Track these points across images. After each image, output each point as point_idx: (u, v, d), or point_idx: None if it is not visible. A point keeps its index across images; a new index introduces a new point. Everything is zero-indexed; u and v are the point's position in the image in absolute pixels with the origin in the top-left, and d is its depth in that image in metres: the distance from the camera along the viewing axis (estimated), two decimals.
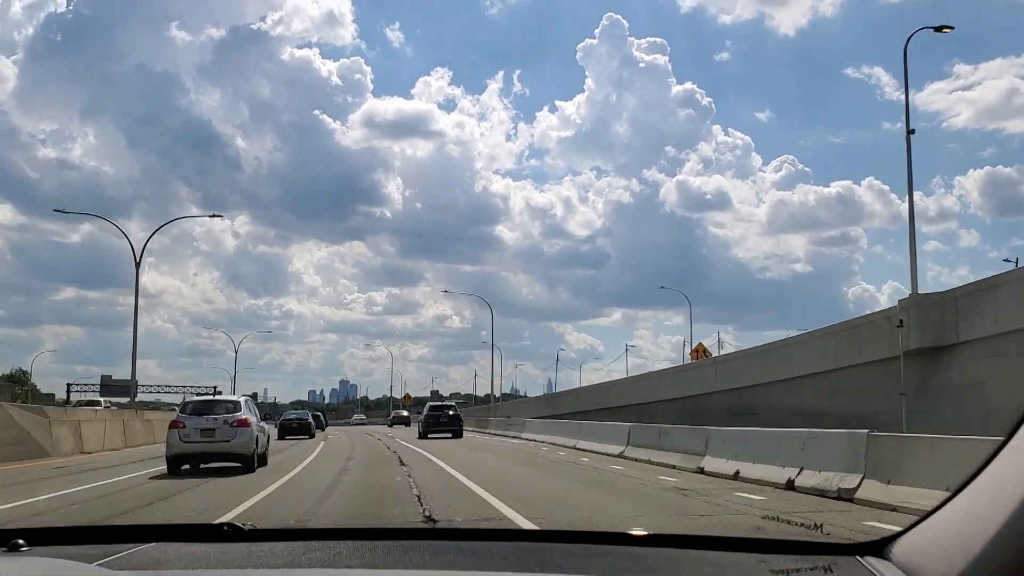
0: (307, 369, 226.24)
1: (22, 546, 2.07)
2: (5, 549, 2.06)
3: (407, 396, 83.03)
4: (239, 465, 18.14)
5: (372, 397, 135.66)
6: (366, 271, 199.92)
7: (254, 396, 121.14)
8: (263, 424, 20.53)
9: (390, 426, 69.30)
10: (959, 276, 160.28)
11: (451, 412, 41.06)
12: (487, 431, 48.07)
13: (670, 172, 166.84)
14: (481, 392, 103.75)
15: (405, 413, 79.12)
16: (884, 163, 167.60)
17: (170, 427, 18.41)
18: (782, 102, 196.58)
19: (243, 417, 18.39)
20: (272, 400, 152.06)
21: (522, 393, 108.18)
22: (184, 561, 2.16)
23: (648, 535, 2.37)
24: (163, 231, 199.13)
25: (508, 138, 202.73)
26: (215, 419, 18.26)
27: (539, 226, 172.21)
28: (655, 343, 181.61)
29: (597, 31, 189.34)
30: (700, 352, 47.62)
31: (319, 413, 66.26)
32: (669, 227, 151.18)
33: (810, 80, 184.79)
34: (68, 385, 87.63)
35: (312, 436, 42.27)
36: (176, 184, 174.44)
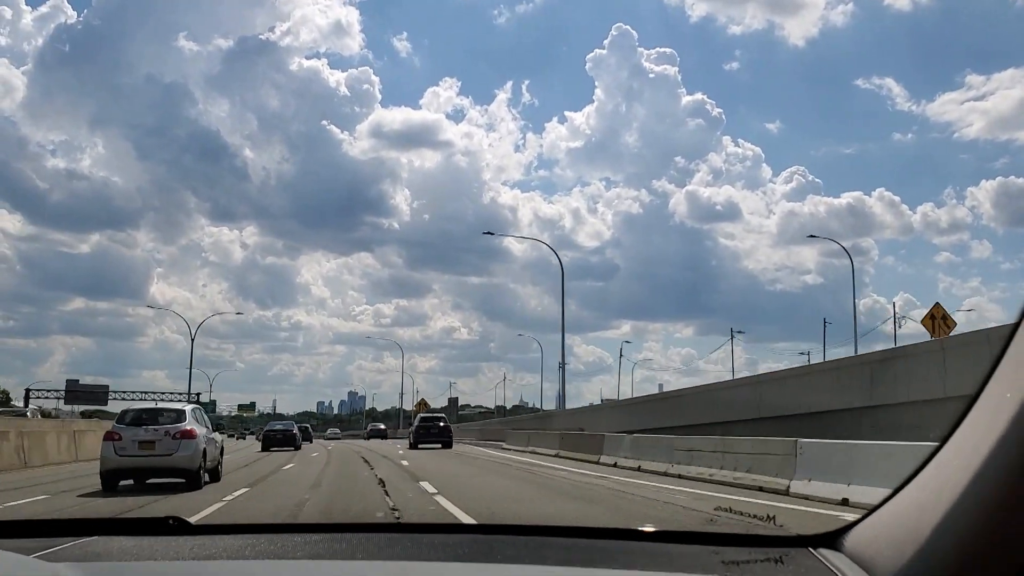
0: (316, 380, 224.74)
1: None
2: None
3: (422, 402, 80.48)
4: (183, 481, 16.18)
5: (380, 408, 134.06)
6: (374, 282, 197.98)
7: (207, 405, 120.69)
8: (215, 435, 18.48)
9: (366, 439, 69.14)
10: (971, 287, 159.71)
11: (441, 424, 42.23)
12: (527, 448, 35.42)
13: (680, 183, 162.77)
14: (486, 404, 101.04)
15: (382, 426, 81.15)
16: (895, 174, 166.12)
17: (104, 439, 16.35)
18: (792, 113, 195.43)
19: (187, 428, 16.35)
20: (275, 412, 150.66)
21: (531, 406, 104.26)
22: (126, 553, 2.10)
23: (603, 528, 2.52)
24: (172, 242, 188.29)
25: (517, 149, 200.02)
26: (155, 430, 16.21)
27: (548, 237, 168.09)
28: (665, 355, 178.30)
29: (606, 41, 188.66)
30: (939, 320, 31.58)
31: (306, 425, 65.86)
32: (679, 238, 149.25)
33: (820, 90, 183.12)
34: (27, 391, 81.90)
35: (298, 448, 40.97)
36: (185, 194, 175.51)
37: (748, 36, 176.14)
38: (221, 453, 19.09)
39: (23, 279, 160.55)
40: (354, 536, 2.24)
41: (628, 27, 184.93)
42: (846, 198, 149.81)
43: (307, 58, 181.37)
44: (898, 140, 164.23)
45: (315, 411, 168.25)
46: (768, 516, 8.98)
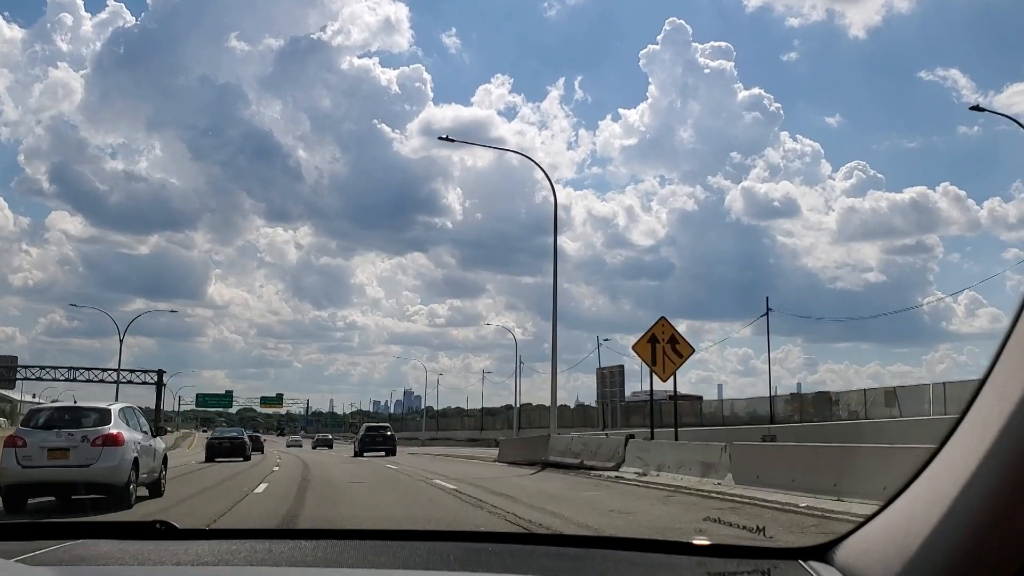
0: (371, 380, 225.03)
1: None
2: None
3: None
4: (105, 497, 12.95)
5: (439, 407, 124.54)
6: (428, 283, 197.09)
7: (272, 399, 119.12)
8: (154, 441, 15.15)
9: (314, 448, 68.66)
10: None
11: (387, 432, 43.92)
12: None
13: (736, 179, 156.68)
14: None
15: (329, 436, 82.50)
16: (961, 168, 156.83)
17: (4, 445, 13.01)
18: (853, 106, 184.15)
19: (111, 432, 13.04)
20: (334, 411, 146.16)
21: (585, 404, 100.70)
22: (111, 558, 2.07)
23: (586, 536, 2.77)
24: (228, 243, 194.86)
25: (569, 146, 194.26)
26: (71, 435, 12.91)
27: (601, 236, 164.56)
28: (721, 356, 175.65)
29: (660, 37, 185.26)
30: (664, 345, 22.55)
31: (258, 434, 64.72)
32: (735, 236, 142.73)
33: (882, 83, 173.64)
34: None
35: (248, 458, 36.25)
36: (240, 195, 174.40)
37: (807, 27, 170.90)
38: (164, 463, 15.80)
39: (86, 280, 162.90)
40: (344, 543, 2.26)
41: (682, 21, 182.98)
42: (909, 193, 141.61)
43: (358, 57, 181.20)
44: (963, 133, 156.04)
45: (371, 410, 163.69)
46: (758, 527, 8.73)
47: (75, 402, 16.22)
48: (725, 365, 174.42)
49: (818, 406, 46.68)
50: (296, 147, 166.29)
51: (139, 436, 14.13)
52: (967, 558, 1.14)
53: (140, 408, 15.98)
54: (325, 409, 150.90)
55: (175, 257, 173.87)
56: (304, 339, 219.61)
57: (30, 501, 13.18)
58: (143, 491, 14.59)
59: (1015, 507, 1.09)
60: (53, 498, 13.49)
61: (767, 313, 53.37)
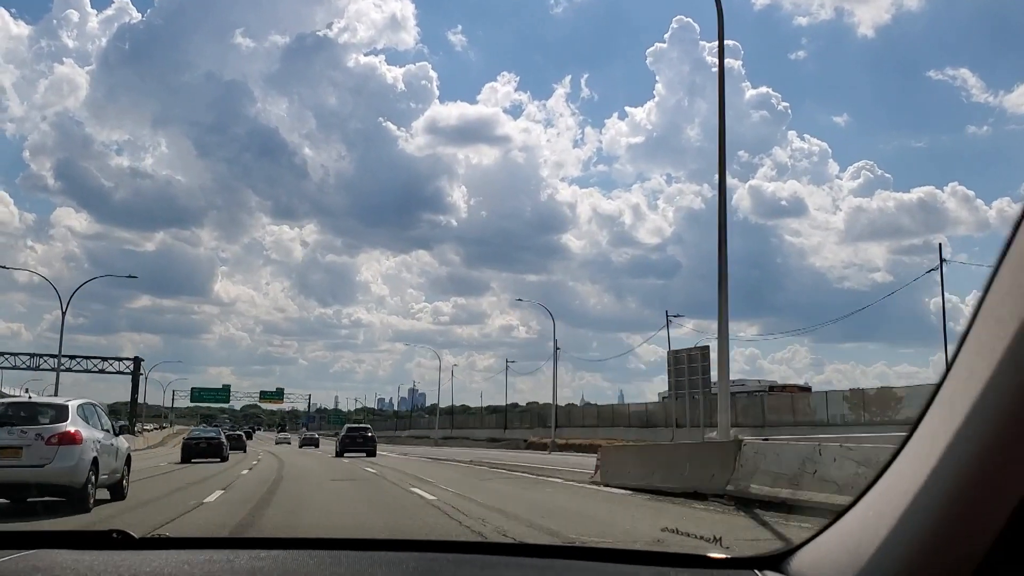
0: (376, 378, 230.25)
1: None
2: None
3: None
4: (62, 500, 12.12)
5: (443, 405, 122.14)
6: (432, 280, 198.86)
7: (272, 394, 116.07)
8: (116, 440, 14.27)
9: (300, 447, 67.53)
10: None
11: (368, 433, 44.12)
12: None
13: (743, 178, 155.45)
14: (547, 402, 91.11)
15: (316, 435, 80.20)
16: (969, 168, 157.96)
17: None
18: (861, 105, 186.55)
19: (68, 430, 12.21)
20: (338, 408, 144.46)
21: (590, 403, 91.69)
22: (67, 569, 1.94)
23: (547, 546, 2.72)
24: (235, 240, 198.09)
25: (575, 144, 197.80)
26: (23, 432, 12.05)
27: (607, 234, 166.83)
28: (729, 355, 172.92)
29: (667, 35, 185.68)
30: None
31: (240, 433, 62.35)
32: (742, 234, 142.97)
33: (891, 82, 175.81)
34: None
35: (225, 459, 34.98)
36: (246, 193, 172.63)
37: (815, 26, 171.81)
38: (127, 463, 14.94)
39: (91, 276, 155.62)
40: (307, 553, 2.17)
41: (689, 20, 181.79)
42: (917, 193, 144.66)
43: (364, 54, 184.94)
44: (973, 133, 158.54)
45: (376, 408, 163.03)
46: (715, 537, 8.60)
47: (29, 397, 15.23)
48: (731, 365, 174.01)
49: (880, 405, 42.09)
50: (302, 145, 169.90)
51: (99, 434, 13.30)
52: (919, 567, 1.17)
53: (102, 405, 15.07)
54: (330, 406, 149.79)
55: (181, 254, 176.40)
56: (310, 336, 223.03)
57: None
58: (104, 493, 13.76)
59: (965, 519, 1.12)
60: (6, 501, 12.64)
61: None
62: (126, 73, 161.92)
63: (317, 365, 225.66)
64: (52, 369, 60.67)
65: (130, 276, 45.49)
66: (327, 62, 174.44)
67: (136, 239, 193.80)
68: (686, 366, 42.56)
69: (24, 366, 62.83)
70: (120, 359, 67.93)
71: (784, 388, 54.22)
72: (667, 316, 53.44)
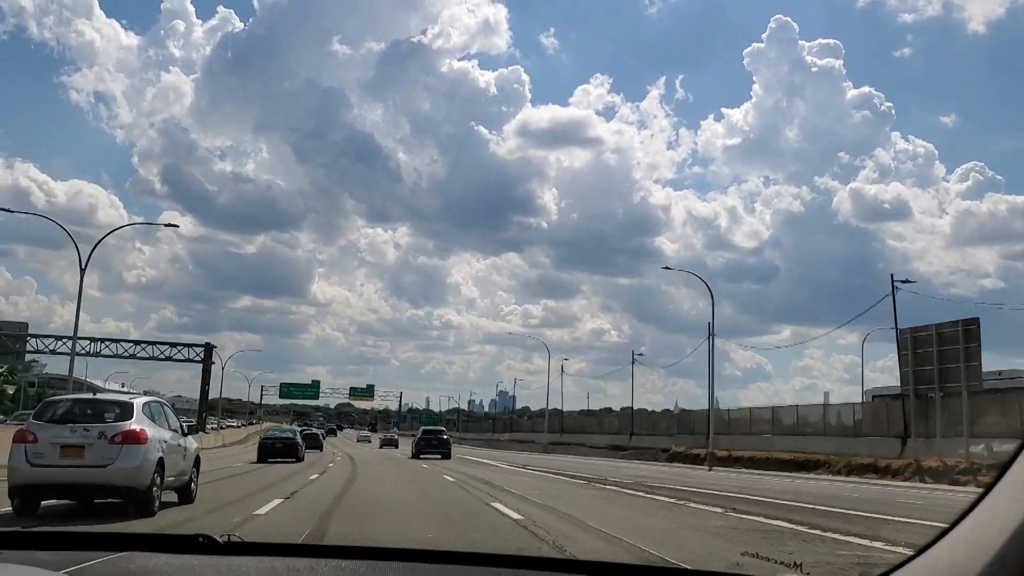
0: (466, 379, 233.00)
1: None
2: None
3: None
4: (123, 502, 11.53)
5: (534, 407, 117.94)
6: (522, 283, 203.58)
7: (362, 390, 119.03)
8: (184, 440, 13.65)
9: (380, 447, 69.98)
10: None
11: (443, 436, 44.42)
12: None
13: (844, 180, 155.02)
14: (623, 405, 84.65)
15: (395, 436, 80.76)
16: None
17: (14, 440, 11.62)
18: (970, 104, 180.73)
19: (132, 428, 11.57)
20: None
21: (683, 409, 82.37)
22: (152, 572, 2.11)
23: (623, 564, 2.59)
24: (331, 242, 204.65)
25: (669, 146, 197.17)
26: (86, 431, 11.46)
27: (702, 237, 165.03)
28: (827, 363, 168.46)
29: (765, 35, 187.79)
30: None
31: (317, 431, 62.27)
32: (843, 238, 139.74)
33: (1004, 79, 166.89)
34: None
35: (300, 459, 34.81)
36: (343, 197, 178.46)
37: (922, 23, 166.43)
38: (196, 465, 14.32)
39: (196, 278, 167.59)
40: (388, 564, 2.22)
41: (788, 19, 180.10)
42: None
43: (458, 59, 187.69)
44: None
45: (467, 409, 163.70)
46: (795, 563, 8.23)
47: (95, 394, 14.74)
48: (831, 372, 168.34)
49: None
50: (396, 149, 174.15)
51: (166, 434, 12.67)
52: None
53: (169, 403, 14.47)
54: (422, 406, 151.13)
55: (280, 256, 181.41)
56: (401, 337, 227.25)
57: (43, 504, 11.78)
58: (171, 496, 13.12)
59: None
60: (70, 502, 12.12)
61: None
62: (229, 81, 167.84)
63: (408, 366, 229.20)
64: (115, 356, 57.00)
65: (170, 225, 42.99)
66: (421, 67, 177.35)
67: (238, 241, 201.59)
68: (935, 350, 30.40)
69: (84, 352, 55.55)
70: (189, 345, 59.00)
71: None
72: (892, 281, 38.88)
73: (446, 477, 23.77)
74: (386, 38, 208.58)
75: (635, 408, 70.02)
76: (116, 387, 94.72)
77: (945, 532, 1.35)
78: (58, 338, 55.27)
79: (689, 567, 2.43)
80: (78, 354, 49.82)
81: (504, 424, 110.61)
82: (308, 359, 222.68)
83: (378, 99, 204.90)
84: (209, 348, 58.44)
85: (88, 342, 54.98)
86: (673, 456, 50.46)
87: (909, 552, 1.44)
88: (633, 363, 58.48)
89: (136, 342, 57.42)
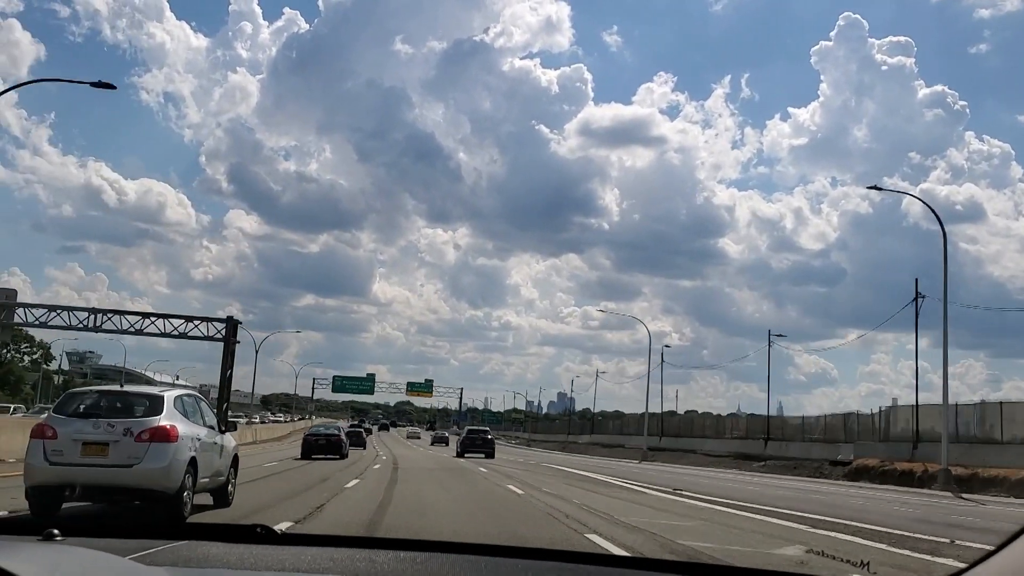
0: (524, 381, 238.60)
1: (56, 535, 1.97)
2: (40, 538, 1.96)
3: None
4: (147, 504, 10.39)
5: (596, 410, 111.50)
6: (582, 284, 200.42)
7: (419, 385, 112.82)
8: (221, 438, 12.49)
9: (431, 444, 71.53)
10: None
11: (487, 436, 46.26)
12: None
13: (914, 180, 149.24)
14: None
15: (446, 434, 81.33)
16: None
17: (32, 436, 10.55)
18: None
19: (161, 424, 10.41)
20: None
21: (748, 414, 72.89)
22: (214, 560, 2.16)
23: (678, 562, 2.70)
24: (391, 242, 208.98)
25: (734, 145, 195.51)
26: (111, 426, 10.34)
27: (767, 238, 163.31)
28: (895, 369, 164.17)
29: (833, 33, 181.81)
30: None
31: (361, 429, 61.68)
32: (913, 241, 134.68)
33: None
34: None
35: (344, 456, 34.83)
36: (403, 196, 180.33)
37: (1000, 18, 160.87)
38: (234, 465, 13.17)
39: (260, 276, 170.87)
40: (446, 556, 2.19)
41: (857, 16, 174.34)
42: None
43: (520, 58, 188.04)
44: None
45: (526, 410, 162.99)
46: (862, 562, 7.99)
47: (121, 386, 13.66)
48: (899, 378, 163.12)
49: None
50: (457, 149, 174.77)
51: (201, 431, 11.52)
52: None
53: (204, 396, 13.31)
54: (480, 406, 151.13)
55: (342, 255, 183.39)
56: (460, 337, 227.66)
57: (64, 505, 10.69)
58: (205, 498, 11.98)
59: None
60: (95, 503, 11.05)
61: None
62: (293, 81, 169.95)
63: (467, 366, 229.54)
64: (116, 331, 47.87)
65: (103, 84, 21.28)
66: (482, 67, 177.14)
67: (301, 240, 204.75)
68: None
69: (80, 325, 46.91)
70: (209, 320, 48.00)
71: None
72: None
73: (533, 503, 15.67)
74: (448, 37, 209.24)
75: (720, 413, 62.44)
76: (169, 380, 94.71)
77: (1007, 541, 1.32)
78: (51, 308, 47.35)
79: (753, 566, 2.36)
80: (72, 327, 45.76)
81: (581, 425, 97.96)
82: (368, 358, 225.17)
83: (439, 98, 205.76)
84: (232, 323, 47.47)
85: (87, 314, 46.75)
86: (858, 471, 36.79)
87: None
88: (770, 345, 53.26)
89: (144, 315, 48.03)
